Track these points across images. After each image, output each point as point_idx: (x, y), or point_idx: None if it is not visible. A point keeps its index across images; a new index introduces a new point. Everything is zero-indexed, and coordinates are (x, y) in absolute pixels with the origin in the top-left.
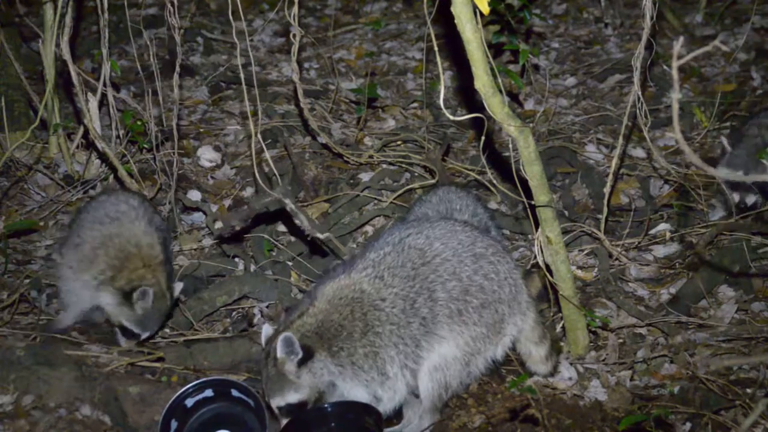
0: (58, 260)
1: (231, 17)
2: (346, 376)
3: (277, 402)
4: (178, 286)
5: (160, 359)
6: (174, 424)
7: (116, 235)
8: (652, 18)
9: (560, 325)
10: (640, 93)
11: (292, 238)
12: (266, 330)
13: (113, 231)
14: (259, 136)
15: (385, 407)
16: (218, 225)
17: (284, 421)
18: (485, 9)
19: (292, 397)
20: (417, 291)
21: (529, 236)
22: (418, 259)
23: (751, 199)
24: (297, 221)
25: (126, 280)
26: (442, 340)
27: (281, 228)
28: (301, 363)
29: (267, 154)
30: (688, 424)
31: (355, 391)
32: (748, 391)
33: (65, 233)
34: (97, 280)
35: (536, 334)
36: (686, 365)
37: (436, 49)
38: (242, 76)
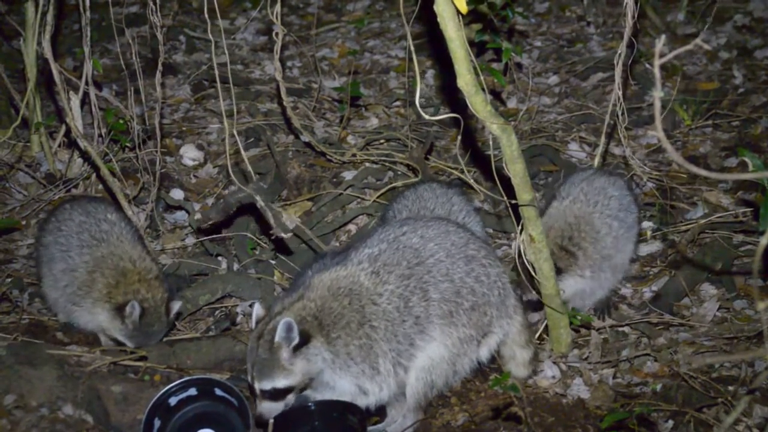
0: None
1: (206, 16)
2: (336, 366)
3: (263, 385)
4: (176, 305)
5: (142, 358)
6: (157, 423)
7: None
8: (633, 16)
9: (542, 323)
10: (620, 93)
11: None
12: (257, 310)
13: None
14: (236, 134)
15: (369, 401)
16: (197, 217)
17: (263, 403)
18: (463, 8)
19: (281, 383)
20: (411, 290)
21: (512, 235)
22: (413, 259)
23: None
24: (266, 218)
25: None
26: (432, 340)
27: None
28: (297, 348)
29: (243, 153)
30: (671, 422)
31: (342, 381)
32: (730, 388)
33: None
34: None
35: (523, 337)
36: (669, 363)
37: (412, 48)
38: (217, 74)
